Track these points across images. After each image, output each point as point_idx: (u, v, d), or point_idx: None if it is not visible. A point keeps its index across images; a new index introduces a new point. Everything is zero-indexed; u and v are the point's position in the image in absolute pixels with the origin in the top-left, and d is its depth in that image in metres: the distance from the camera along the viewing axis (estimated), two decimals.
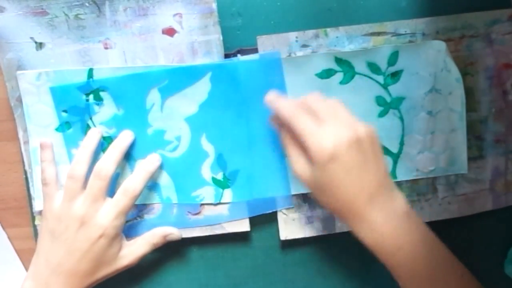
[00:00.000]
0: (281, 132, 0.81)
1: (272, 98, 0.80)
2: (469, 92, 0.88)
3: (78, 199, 0.80)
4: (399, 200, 0.76)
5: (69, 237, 0.80)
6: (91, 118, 0.86)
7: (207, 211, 0.89)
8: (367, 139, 0.74)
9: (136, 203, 0.86)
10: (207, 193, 0.89)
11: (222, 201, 0.88)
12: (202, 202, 0.89)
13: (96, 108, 0.86)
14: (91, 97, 0.85)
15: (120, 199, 0.82)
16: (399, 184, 0.89)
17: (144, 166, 0.85)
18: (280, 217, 0.89)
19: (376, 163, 0.75)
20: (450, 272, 0.76)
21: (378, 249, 0.75)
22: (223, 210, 0.89)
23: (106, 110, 0.86)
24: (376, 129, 0.77)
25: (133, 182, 0.83)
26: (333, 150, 0.71)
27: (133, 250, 0.85)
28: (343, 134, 0.73)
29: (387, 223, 0.74)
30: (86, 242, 0.79)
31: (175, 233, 0.87)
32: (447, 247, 0.77)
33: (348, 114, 0.76)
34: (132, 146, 0.87)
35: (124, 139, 0.85)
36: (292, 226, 0.90)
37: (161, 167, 0.88)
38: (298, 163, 0.77)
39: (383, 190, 0.75)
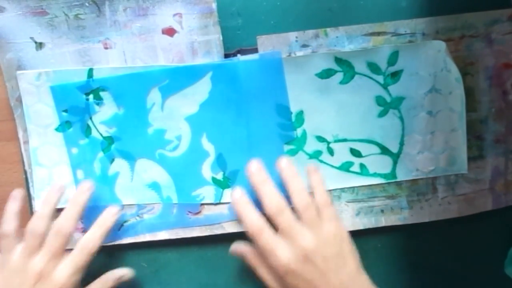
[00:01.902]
0: (248, 259, 0.85)
1: (239, 199, 0.84)
2: (469, 92, 0.89)
3: (37, 255, 0.80)
4: None
5: None
6: (91, 118, 0.87)
7: (207, 211, 0.90)
8: (328, 248, 0.79)
9: (136, 203, 0.89)
10: (207, 193, 0.90)
11: (222, 201, 0.90)
12: (202, 202, 0.90)
13: (96, 107, 0.87)
14: (91, 96, 0.86)
15: (78, 255, 0.82)
16: (398, 184, 0.91)
17: (100, 223, 0.85)
18: None
19: (341, 268, 0.78)
20: None
21: None
22: (223, 209, 0.90)
23: (107, 109, 0.87)
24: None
25: (90, 239, 0.83)
26: (288, 265, 0.77)
27: None
28: (299, 246, 0.78)
29: None
30: None
31: (128, 274, 0.87)
32: None
33: (310, 224, 0.80)
34: (132, 146, 0.88)
35: (83, 193, 0.85)
36: None
37: (161, 166, 0.89)
38: (271, 282, 0.81)
39: None
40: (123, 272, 0.87)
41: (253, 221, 0.81)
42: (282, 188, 0.85)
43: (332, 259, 0.78)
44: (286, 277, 0.77)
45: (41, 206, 0.83)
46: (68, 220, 0.82)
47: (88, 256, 0.82)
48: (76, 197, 0.85)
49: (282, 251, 0.78)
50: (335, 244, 0.80)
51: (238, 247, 0.86)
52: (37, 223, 0.81)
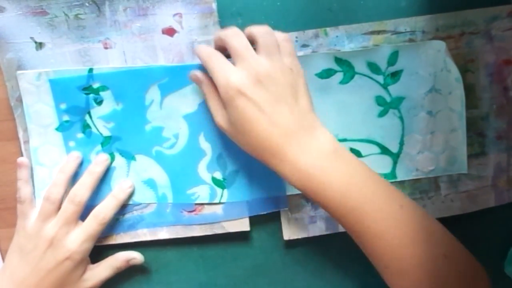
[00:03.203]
0: (201, 86, 0.87)
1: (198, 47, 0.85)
2: (470, 89, 0.93)
3: (51, 221, 0.88)
4: (324, 138, 0.80)
5: (37, 256, 0.87)
6: (89, 113, 0.91)
7: (202, 210, 0.94)
8: (282, 77, 0.79)
9: (131, 202, 0.93)
10: (202, 192, 0.94)
11: (216, 201, 0.94)
12: (197, 202, 0.94)
13: (95, 103, 0.91)
14: (91, 95, 0.90)
15: (90, 224, 0.89)
16: (400, 182, 0.94)
17: (115, 194, 0.92)
18: (283, 217, 0.94)
19: (293, 101, 0.79)
20: (386, 204, 0.77)
21: (306, 189, 0.78)
22: (217, 209, 0.94)
23: (105, 105, 0.91)
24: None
25: (103, 209, 0.90)
26: (239, 85, 0.77)
27: (96, 274, 0.92)
28: (252, 69, 0.78)
29: (311, 162, 0.77)
30: (52, 263, 0.86)
31: (137, 257, 0.94)
32: (385, 180, 0.80)
33: (267, 51, 0.80)
34: (130, 142, 0.92)
35: (100, 164, 0.92)
36: (295, 226, 0.94)
37: (158, 163, 0.93)
38: (218, 112, 0.84)
39: (303, 128, 0.79)
40: (133, 255, 0.94)
41: (205, 48, 0.84)
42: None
43: (285, 89, 0.79)
44: (235, 100, 0.78)
45: (57, 174, 0.90)
46: (82, 189, 0.89)
47: (99, 225, 0.90)
48: (93, 168, 0.91)
49: (233, 72, 0.79)
50: (290, 77, 0.80)
51: (194, 72, 0.87)
52: (53, 190, 0.89)
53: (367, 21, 0.90)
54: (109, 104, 0.91)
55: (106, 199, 0.92)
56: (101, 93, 0.91)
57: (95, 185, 0.91)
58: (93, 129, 0.92)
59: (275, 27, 0.86)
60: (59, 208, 0.89)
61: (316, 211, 0.95)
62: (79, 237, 0.88)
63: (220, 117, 0.83)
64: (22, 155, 0.93)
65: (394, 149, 0.94)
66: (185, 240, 0.95)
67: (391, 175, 0.94)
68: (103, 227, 0.90)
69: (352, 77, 0.91)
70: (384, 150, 0.94)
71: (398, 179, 0.94)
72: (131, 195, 0.94)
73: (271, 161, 0.80)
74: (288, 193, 0.94)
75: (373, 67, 0.90)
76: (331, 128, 0.88)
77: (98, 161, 0.92)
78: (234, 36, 0.81)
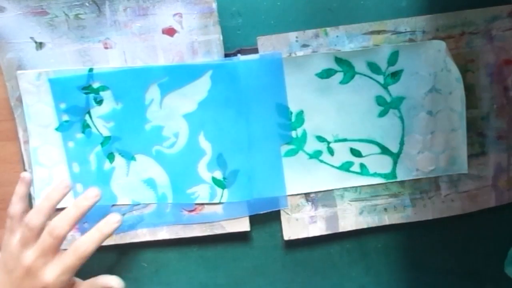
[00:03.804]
0: None
1: None
2: (470, 89, 0.93)
3: (30, 248, 0.84)
4: None
5: (16, 279, 0.84)
6: (89, 112, 0.91)
7: (202, 209, 0.94)
8: None
9: (131, 203, 0.93)
10: (202, 191, 0.94)
11: (216, 201, 0.94)
12: (197, 202, 0.94)
13: (95, 103, 0.91)
14: (91, 95, 0.90)
15: (69, 257, 0.84)
16: (400, 182, 0.95)
17: (100, 227, 0.86)
18: (283, 217, 0.94)
19: None
20: None
21: None
22: (218, 209, 0.94)
23: (105, 104, 0.91)
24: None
25: (85, 242, 0.85)
26: None
27: None
28: None
29: None
30: None
31: (116, 285, 0.88)
32: None
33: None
34: (129, 142, 0.92)
35: (89, 200, 0.86)
36: (295, 226, 0.94)
37: (158, 163, 0.93)
38: None
39: None
40: (114, 282, 0.88)
41: None
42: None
43: None
44: None
45: (42, 200, 0.85)
46: (63, 222, 0.84)
47: (79, 260, 0.84)
48: (79, 202, 0.86)
49: None
50: None
51: None
52: (33, 217, 0.84)
53: (367, 21, 0.90)
54: (109, 104, 0.92)
55: (90, 232, 0.86)
56: (101, 93, 0.91)
57: (78, 220, 0.85)
58: (93, 129, 0.93)
59: (275, 27, 0.89)
60: (39, 235, 0.85)
61: (316, 211, 0.95)
62: (56, 270, 0.84)
63: None
64: (22, 155, 0.93)
65: (394, 149, 0.94)
66: (185, 240, 0.95)
67: (391, 175, 0.95)
68: (83, 261, 0.85)
69: (352, 77, 0.91)
70: (384, 150, 0.94)
71: (398, 179, 0.95)
72: (117, 229, 0.88)
73: None
74: (288, 193, 0.94)
75: (373, 67, 0.91)
76: (331, 128, 0.92)
77: (88, 196, 0.87)
78: None
